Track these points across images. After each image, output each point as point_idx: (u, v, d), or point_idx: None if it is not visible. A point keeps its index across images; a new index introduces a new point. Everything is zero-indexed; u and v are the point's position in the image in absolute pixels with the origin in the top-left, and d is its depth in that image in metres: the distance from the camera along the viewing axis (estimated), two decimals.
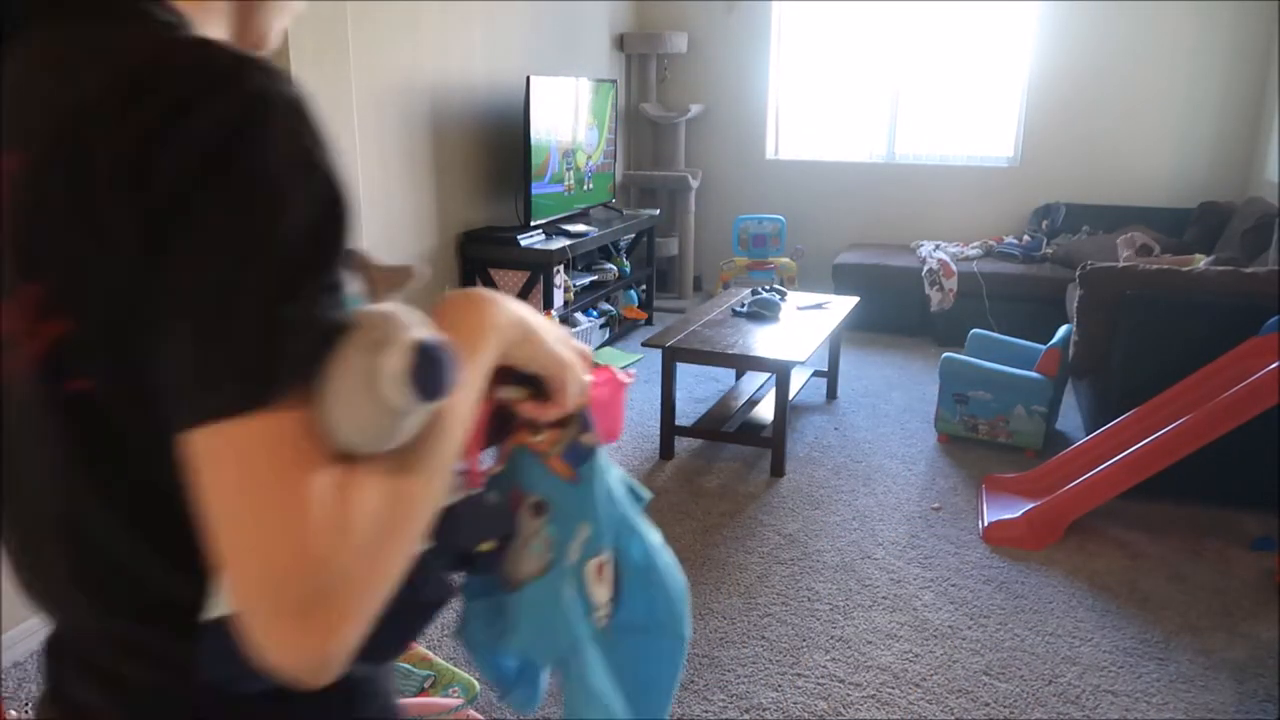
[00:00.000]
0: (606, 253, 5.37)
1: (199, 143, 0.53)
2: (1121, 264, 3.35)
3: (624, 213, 5.58)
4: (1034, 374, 3.64)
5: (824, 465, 3.59)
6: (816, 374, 4.43)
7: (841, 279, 5.38)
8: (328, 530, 0.52)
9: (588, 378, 0.84)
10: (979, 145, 5.84)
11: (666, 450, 3.64)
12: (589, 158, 5.11)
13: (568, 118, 4.79)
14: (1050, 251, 5.24)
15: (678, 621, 0.92)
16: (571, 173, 4.90)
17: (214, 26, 0.67)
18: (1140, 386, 3.19)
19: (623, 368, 4.90)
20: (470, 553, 0.81)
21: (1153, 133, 5.45)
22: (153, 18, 0.61)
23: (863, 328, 5.33)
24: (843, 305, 4.17)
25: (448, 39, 4.20)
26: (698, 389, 4.44)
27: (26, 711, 2.16)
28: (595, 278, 5.07)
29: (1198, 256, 4.43)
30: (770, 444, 3.51)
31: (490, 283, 4.47)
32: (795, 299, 4.22)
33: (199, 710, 0.66)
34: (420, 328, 0.59)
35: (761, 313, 3.90)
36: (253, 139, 0.54)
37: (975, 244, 5.49)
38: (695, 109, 6.07)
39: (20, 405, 0.64)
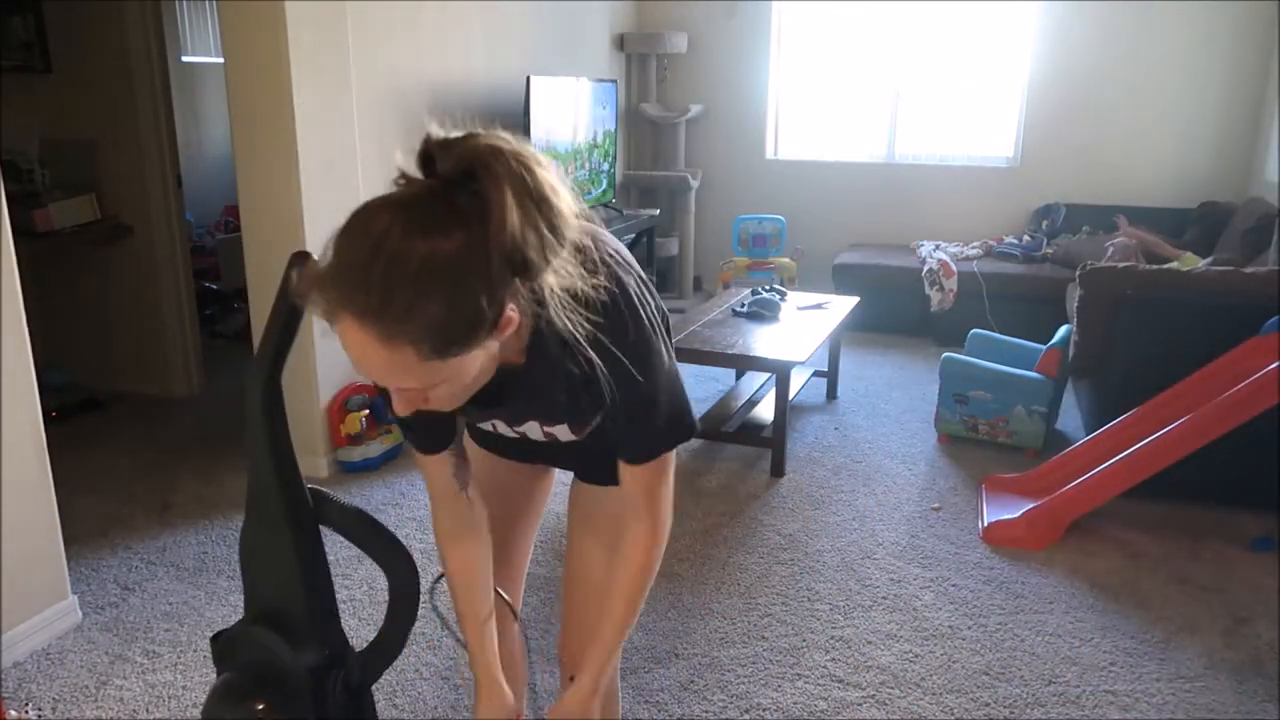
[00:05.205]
0: None
1: None
2: (1122, 264, 3.35)
3: (624, 213, 5.58)
4: (1034, 374, 3.63)
5: (824, 465, 3.59)
6: (816, 374, 4.43)
7: (841, 279, 5.38)
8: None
9: None
10: (979, 145, 5.84)
11: None
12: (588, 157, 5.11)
13: (568, 118, 4.79)
14: (1050, 251, 5.24)
15: None
16: (570, 172, 4.89)
17: None
18: (1140, 386, 3.19)
19: None
20: None
21: (1153, 133, 5.45)
22: None
23: (863, 328, 5.33)
24: (843, 305, 4.17)
25: (448, 39, 4.19)
26: (698, 389, 4.44)
27: (26, 711, 2.15)
28: None
29: (1189, 255, 4.43)
30: (770, 444, 3.50)
31: None
32: (795, 299, 4.22)
33: None
34: None
35: (761, 313, 3.90)
36: None
37: (975, 244, 5.49)
38: (695, 109, 6.07)
39: None
